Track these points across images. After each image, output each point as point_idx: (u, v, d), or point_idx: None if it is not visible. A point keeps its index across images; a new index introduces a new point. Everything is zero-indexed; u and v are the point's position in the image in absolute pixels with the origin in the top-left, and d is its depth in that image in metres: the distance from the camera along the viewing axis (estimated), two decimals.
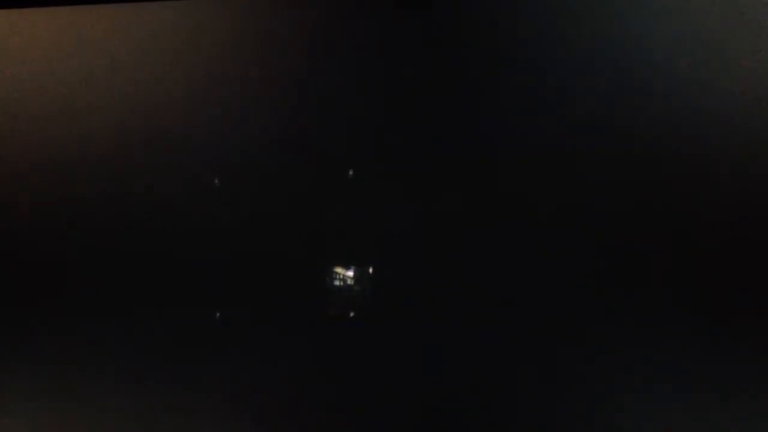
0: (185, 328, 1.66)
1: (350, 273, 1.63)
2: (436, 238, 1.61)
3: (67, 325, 1.69)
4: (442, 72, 1.61)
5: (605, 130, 1.57)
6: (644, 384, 1.56)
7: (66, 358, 1.70)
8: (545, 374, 1.59)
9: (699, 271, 1.55)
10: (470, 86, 1.60)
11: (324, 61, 1.63)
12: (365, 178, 1.63)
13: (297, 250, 1.64)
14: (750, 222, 1.54)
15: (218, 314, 1.65)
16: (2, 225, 1.71)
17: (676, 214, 1.56)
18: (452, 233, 1.61)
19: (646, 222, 1.57)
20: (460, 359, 1.61)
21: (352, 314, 1.62)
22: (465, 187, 1.61)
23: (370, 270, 1.62)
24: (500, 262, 1.60)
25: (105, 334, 1.69)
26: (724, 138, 1.54)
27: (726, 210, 1.55)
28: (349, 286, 1.63)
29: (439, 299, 1.61)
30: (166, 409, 1.68)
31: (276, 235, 1.64)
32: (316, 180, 1.64)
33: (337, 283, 1.63)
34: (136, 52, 1.67)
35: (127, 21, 1.67)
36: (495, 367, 1.61)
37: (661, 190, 1.56)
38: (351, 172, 1.63)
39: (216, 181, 1.64)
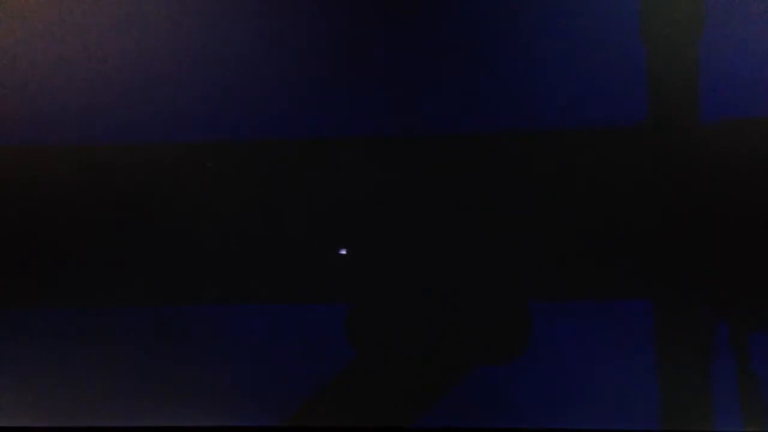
0: (183, 317, 1.67)
1: (345, 255, 1.62)
2: (433, 231, 1.62)
3: (63, 313, 1.68)
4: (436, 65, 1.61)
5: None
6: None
7: (62, 347, 1.69)
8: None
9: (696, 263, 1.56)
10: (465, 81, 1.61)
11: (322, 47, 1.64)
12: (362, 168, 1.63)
13: (293, 237, 1.63)
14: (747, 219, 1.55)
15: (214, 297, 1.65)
16: None
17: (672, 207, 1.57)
18: (449, 228, 1.62)
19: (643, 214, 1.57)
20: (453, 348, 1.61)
21: (347, 301, 1.62)
22: (464, 183, 1.62)
23: (366, 260, 1.63)
24: (499, 258, 1.60)
25: (102, 323, 1.69)
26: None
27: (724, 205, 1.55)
28: (346, 273, 1.62)
29: (434, 289, 1.61)
30: (165, 391, 1.68)
31: (272, 221, 1.64)
32: (312, 166, 1.64)
33: (333, 269, 1.62)
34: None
35: None
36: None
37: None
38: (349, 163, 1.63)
39: (208, 164, 1.63)
